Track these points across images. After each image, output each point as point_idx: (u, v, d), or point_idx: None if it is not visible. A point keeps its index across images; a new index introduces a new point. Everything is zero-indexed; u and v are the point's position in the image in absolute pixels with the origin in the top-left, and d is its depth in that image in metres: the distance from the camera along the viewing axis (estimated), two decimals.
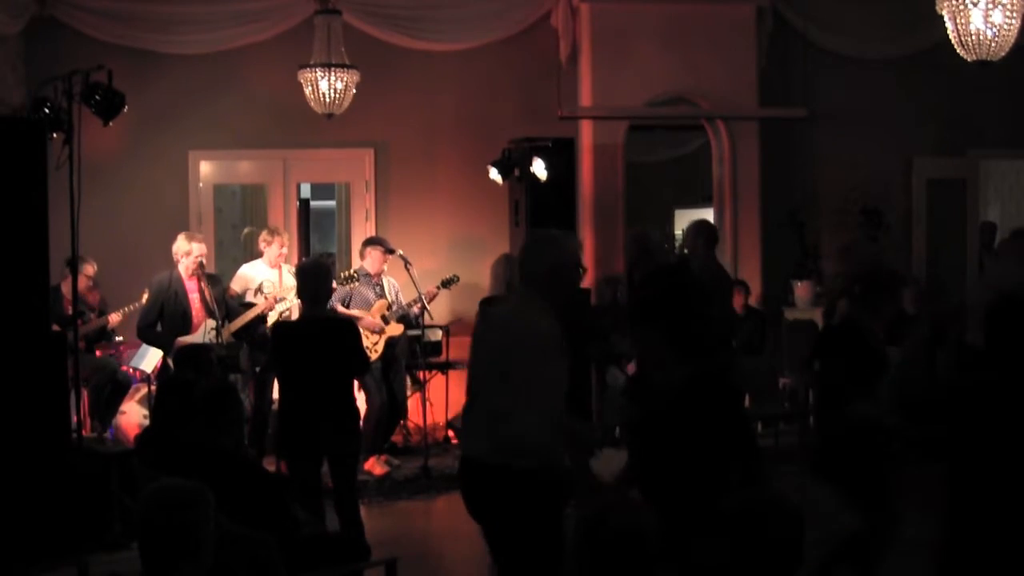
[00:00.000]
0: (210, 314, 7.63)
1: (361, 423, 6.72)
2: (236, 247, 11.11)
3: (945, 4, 6.73)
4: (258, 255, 8.66)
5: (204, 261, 7.95)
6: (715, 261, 7.38)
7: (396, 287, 8.59)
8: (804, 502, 2.85)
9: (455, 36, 9.71)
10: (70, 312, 7.25)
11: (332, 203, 12.15)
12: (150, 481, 3.44)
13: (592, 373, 8.64)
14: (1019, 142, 10.69)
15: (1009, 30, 6.71)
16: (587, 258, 9.19)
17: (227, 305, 7.92)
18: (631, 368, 8.52)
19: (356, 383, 6.54)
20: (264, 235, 8.54)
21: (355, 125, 9.28)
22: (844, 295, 9.15)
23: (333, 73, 8.50)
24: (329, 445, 5.81)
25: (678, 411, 3.87)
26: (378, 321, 8.29)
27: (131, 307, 8.27)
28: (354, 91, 8.62)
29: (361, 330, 7.40)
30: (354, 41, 8.94)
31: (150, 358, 8.03)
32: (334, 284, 7.63)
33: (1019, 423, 3.72)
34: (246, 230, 11.20)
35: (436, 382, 9.07)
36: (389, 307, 8.38)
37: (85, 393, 7.95)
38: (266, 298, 8.10)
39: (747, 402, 9.35)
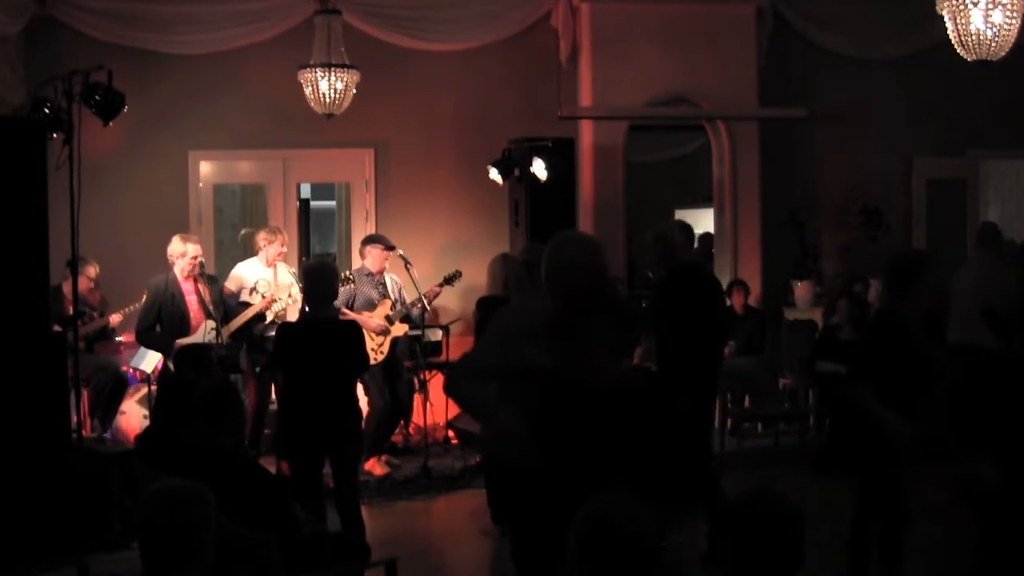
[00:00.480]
0: (208, 315, 7.62)
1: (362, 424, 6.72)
2: (236, 247, 11.11)
3: (945, 4, 6.74)
4: (253, 255, 8.63)
5: (204, 261, 7.95)
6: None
7: (399, 283, 8.56)
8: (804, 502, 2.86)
9: (455, 36, 9.71)
10: (71, 312, 7.25)
11: (332, 203, 12.15)
12: (150, 481, 3.44)
13: None
14: (1019, 142, 10.69)
15: (1009, 30, 6.72)
16: None
17: (225, 305, 7.90)
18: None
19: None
20: (265, 234, 8.52)
21: (355, 125, 9.29)
22: (844, 295, 9.17)
23: (333, 73, 8.50)
24: (331, 445, 5.82)
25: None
26: (382, 323, 8.27)
27: (131, 307, 8.26)
28: (354, 91, 8.62)
29: (366, 332, 7.38)
30: (354, 41, 8.94)
31: (150, 359, 8.03)
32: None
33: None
34: (243, 231, 11.20)
35: (436, 382, 9.06)
36: (393, 306, 8.37)
37: (85, 393, 7.95)
38: (263, 296, 8.09)
39: (747, 402, 9.40)
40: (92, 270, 8.38)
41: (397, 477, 8.06)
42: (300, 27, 9.17)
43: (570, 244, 4.27)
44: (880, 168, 10.45)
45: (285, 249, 8.54)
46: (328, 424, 5.76)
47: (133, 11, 9.13)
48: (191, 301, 7.70)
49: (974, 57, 6.83)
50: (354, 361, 5.96)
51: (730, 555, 2.81)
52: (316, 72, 8.50)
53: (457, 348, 8.14)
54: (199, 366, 5.89)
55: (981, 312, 6.93)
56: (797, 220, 10.08)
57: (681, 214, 12.51)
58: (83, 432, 7.39)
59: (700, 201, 11.85)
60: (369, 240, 8.60)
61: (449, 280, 8.51)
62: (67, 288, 7.52)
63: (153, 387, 8.03)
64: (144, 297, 7.89)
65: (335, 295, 6.34)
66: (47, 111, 6.65)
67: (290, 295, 8.04)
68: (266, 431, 8.19)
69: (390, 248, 8.46)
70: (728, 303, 8.93)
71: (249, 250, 8.98)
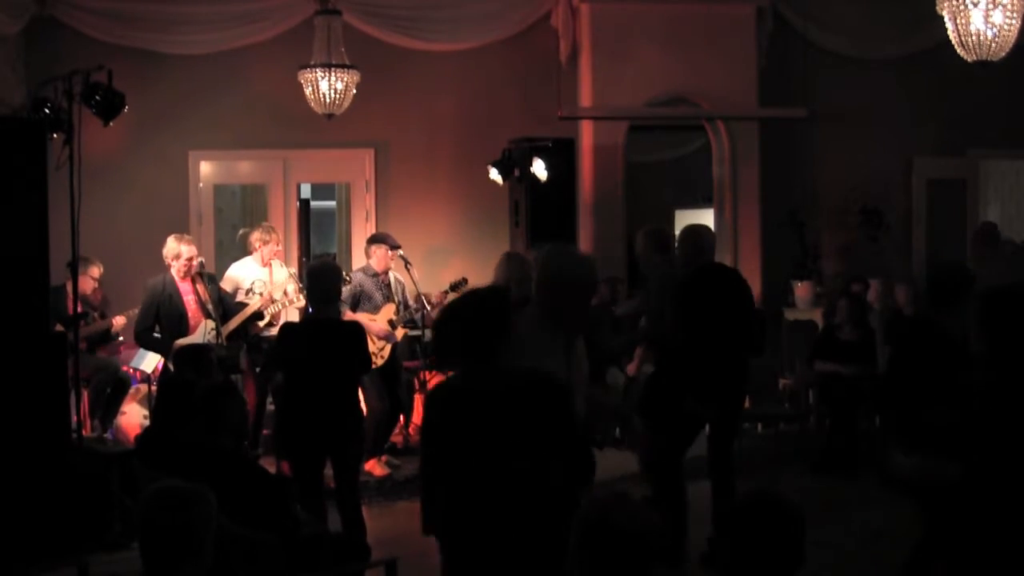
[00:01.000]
0: (207, 315, 7.61)
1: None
2: (236, 247, 11.11)
3: (945, 4, 6.73)
4: (249, 254, 8.61)
5: (204, 261, 7.93)
6: (669, 265, 7.41)
7: (402, 283, 8.54)
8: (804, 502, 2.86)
9: (455, 36, 9.71)
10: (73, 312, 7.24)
11: (332, 203, 12.16)
12: (150, 481, 3.44)
13: None
14: (1019, 142, 10.69)
15: (1009, 30, 6.71)
16: None
17: (224, 304, 7.89)
18: (631, 368, 8.52)
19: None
20: (260, 234, 8.49)
21: (355, 125, 9.29)
22: (844, 295, 9.16)
23: (333, 73, 8.49)
24: (332, 445, 5.82)
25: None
26: (386, 328, 8.23)
27: (134, 311, 8.24)
28: (354, 91, 8.62)
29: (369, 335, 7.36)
30: (354, 41, 8.94)
31: (150, 359, 8.03)
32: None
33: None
34: (242, 230, 11.20)
35: (436, 382, 9.04)
36: (397, 310, 8.33)
37: (85, 393, 7.95)
38: (260, 295, 8.09)
39: (747, 403, 9.38)
40: (96, 270, 8.36)
41: (397, 477, 8.05)
42: (300, 27, 9.18)
43: (557, 259, 4.28)
44: (880, 168, 10.45)
45: (280, 248, 8.54)
46: (329, 424, 5.77)
47: (133, 11, 9.13)
48: (189, 301, 7.69)
49: (974, 57, 6.82)
50: (356, 362, 5.96)
51: (730, 555, 2.81)
52: (316, 72, 8.49)
53: None
54: (199, 366, 5.89)
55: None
56: (797, 220, 10.07)
57: (681, 214, 12.52)
58: (83, 432, 7.38)
59: (700, 201, 11.84)
60: (374, 239, 8.58)
61: (455, 287, 8.50)
62: (71, 287, 7.52)
63: (153, 387, 8.02)
64: (142, 298, 7.89)
65: (338, 295, 6.33)
66: (47, 111, 6.65)
67: (285, 293, 8.02)
68: (265, 431, 8.18)
69: (395, 247, 8.43)
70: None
71: (248, 250, 8.97)
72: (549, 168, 8.87)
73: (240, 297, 8.21)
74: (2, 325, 6.12)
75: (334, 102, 8.54)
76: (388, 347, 8.26)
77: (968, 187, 10.82)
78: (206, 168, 9.81)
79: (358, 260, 9.54)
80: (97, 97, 6.63)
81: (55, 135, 6.66)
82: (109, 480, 6.38)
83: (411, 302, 8.45)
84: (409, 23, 9.57)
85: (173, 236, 7.80)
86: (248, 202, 11.66)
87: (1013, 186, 11.83)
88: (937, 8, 6.81)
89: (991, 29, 6.67)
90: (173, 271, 7.68)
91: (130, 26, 9.13)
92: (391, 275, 8.47)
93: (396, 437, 8.86)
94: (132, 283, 8.39)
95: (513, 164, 9.07)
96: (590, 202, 9.68)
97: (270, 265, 8.37)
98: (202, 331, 7.60)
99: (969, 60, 6.89)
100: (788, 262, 10.14)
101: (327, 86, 8.48)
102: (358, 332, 6.10)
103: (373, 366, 7.64)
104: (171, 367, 7.27)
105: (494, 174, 9.18)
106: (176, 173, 9.57)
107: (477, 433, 3.48)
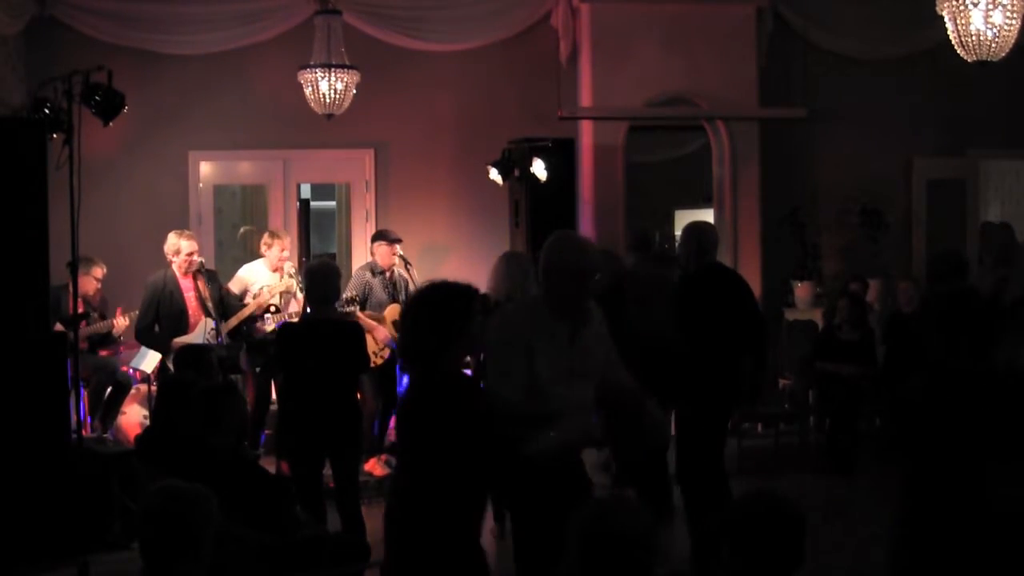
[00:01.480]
0: (207, 312, 7.61)
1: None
2: (236, 247, 11.11)
3: (945, 4, 6.74)
4: (256, 255, 8.62)
5: (203, 260, 7.92)
6: (650, 264, 7.39)
7: (406, 281, 8.51)
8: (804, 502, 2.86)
9: (455, 36, 9.71)
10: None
11: (332, 203, 12.15)
12: (150, 481, 3.44)
13: None
14: (1019, 142, 10.68)
15: (1009, 30, 6.72)
16: None
17: (224, 303, 7.88)
18: None
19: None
20: (265, 238, 8.51)
21: (355, 125, 9.28)
22: (844, 295, 9.16)
23: (333, 73, 8.49)
24: (332, 446, 5.82)
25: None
26: (390, 334, 8.17)
27: (134, 312, 8.24)
28: (354, 91, 8.62)
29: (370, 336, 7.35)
30: (354, 41, 8.94)
31: (150, 359, 8.01)
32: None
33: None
34: (243, 229, 11.19)
35: None
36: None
37: (85, 393, 7.94)
38: (255, 297, 8.08)
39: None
40: (99, 271, 8.34)
41: None
42: (300, 27, 9.18)
43: (559, 246, 4.27)
44: (880, 168, 10.45)
45: (286, 253, 8.52)
46: (329, 424, 5.76)
47: (133, 11, 9.13)
48: (189, 298, 7.70)
49: (974, 57, 6.83)
50: (355, 361, 5.95)
51: (730, 555, 2.81)
52: (316, 72, 8.49)
53: None
54: (199, 367, 5.90)
55: None
56: (797, 220, 10.07)
57: (681, 214, 12.51)
58: (83, 432, 7.38)
59: (700, 201, 11.83)
60: (375, 237, 8.57)
61: None
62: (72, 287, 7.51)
63: (153, 387, 8.02)
64: (143, 295, 7.89)
65: (337, 295, 6.32)
66: (47, 111, 6.64)
67: (279, 297, 8.04)
68: (266, 431, 8.17)
69: (395, 241, 8.40)
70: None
71: (249, 247, 8.98)
72: (549, 168, 8.87)
73: (248, 300, 8.21)
74: (2, 325, 6.12)
75: (334, 102, 8.54)
76: (387, 349, 8.25)
77: (968, 187, 10.81)
78: (206, 168, 9.81)
79: (358, 260, 9.55)
80: (97, 97, 6.62)
81: (55, 135, 6.66)
82: (109, 480, 6.39)
83: None
84: (409, 23, 9.57)
85: (174, 232, 7.84)
86: (248, 202, 11.65)
87: (1013, 186, 11.82)
88: (937, 8, 6.81)
89: (991, 29, 6.67)
90: (174, 267, 7.69)
91: (130, 26, 9.13)
92: (396, 272, 8.45)
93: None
94: (132, 283, 8.39)
95: (513, 164, 9.07)
96: (590, 202, 9.68)
97: (280, 270, 8.37)
98: (202, 329, 7.61)
99: (969, 60, 6.89)
100: (788, 262, 10.14)
101: (327, 86, 8.48)
102: (357, 332, 6.10)
103: (372, 366, 7.63)
104: (171, 367, 7.28)
105: (494, 174, 9.18)
106: (176, 173, 9.57)
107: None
